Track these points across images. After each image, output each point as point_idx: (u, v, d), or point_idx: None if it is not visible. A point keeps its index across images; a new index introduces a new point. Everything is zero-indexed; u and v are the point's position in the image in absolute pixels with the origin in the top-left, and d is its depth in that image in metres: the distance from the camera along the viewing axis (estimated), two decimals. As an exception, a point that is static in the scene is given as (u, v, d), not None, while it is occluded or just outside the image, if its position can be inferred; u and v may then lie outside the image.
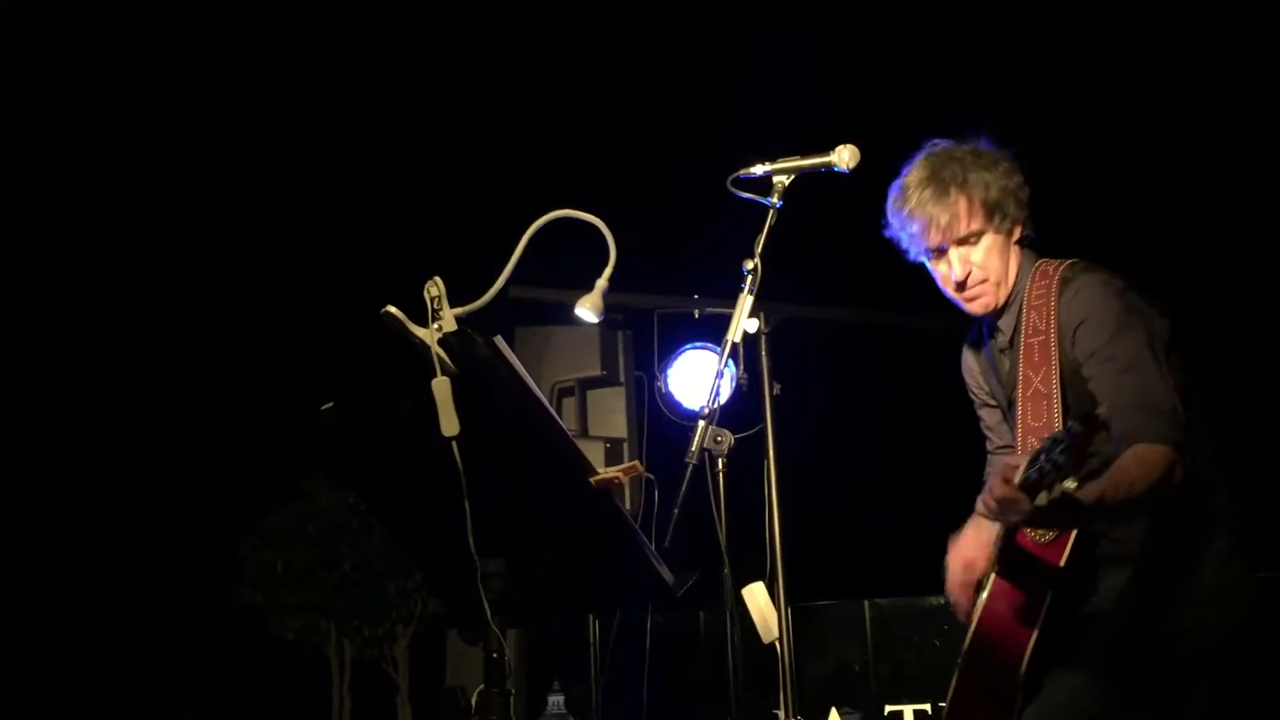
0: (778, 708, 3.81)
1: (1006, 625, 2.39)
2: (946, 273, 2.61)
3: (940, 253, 2.59)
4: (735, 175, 2.78)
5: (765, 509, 4.16)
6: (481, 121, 6.79)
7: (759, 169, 2.78)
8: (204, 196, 7.20)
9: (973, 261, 2.57)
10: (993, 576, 2.49)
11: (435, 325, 1.91)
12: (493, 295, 1.99)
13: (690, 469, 2.65)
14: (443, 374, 1.91)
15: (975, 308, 2.63)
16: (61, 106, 6.70)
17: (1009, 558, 2.44)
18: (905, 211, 2.60)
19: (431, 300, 1.92)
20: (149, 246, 7.32)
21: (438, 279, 1.93)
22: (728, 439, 2.91)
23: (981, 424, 2.90)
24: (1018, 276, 2.61)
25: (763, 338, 4.43)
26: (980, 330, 2.78)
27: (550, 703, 5.83)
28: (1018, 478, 2.06)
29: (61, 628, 7.48)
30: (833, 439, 6.58)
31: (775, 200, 2.75)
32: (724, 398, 3.00)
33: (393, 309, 1.93)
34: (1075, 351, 2.43)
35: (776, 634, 3.43)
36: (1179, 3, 5.77)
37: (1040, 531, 2.39)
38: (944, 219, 2.54)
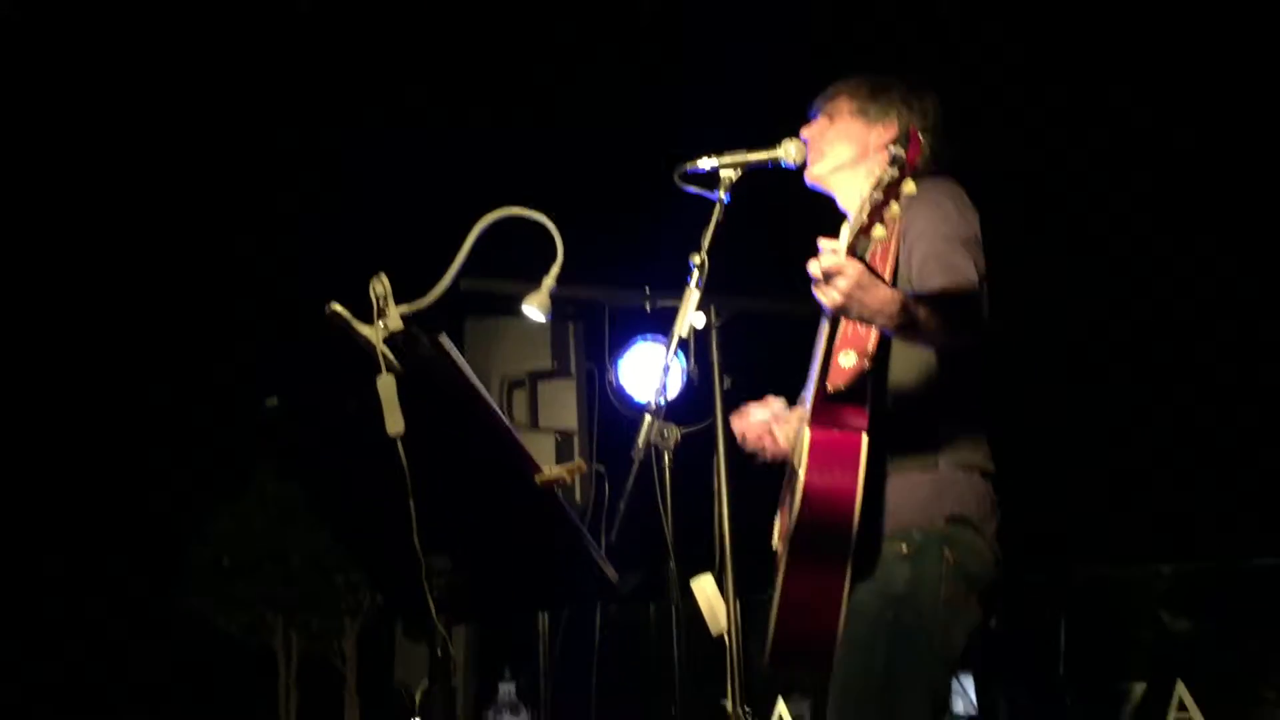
0: (725, 698, 3.84)
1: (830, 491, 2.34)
2: None
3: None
4: (682, 169, 2.79)
5: (715, 501, 4.19)
6: (433, 115, 6.75)
7: (705, 163, 2.78)
8: (148, 192, 7.10)
9: (815, 127, 2.71)
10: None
11: (380, 323, 1.89)
12: (439, 294, 1.98)
13: (637, 464, 2.66)
14: (388, 372, 1.90)
15: (806, 176, 2.74)
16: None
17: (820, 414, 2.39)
18: None
19: (377, 298, 1.90)
20: (92, 245, 7.21)
21: (383, 276, 1.91)
22: (674, 434, 2.91)
23: None
24: None
25: (713, 332, 4.46)
26: None
27: (501, 691, 5.84)
28: (844, 243, 2.06)
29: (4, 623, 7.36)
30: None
31: (722, 194, 2.76)
32: (672, 392, 3.01)
33: (337, 306, 1.91)
34: (908, 228, 2.46)
35: (725, 626, 3.46)
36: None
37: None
38: (830, 89, 2.73)
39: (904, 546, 2.39)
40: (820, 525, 2.34)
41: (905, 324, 2.22)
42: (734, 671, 3.82)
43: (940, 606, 2.38)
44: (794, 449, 2.57)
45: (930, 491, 2.43)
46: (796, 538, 2.36)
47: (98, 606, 7.48)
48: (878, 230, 2.08)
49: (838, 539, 2.33)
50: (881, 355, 2.42)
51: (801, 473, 2.34)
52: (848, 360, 2.39)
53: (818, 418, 2.37)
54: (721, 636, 3.51)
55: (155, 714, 7.47)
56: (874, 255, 2.53)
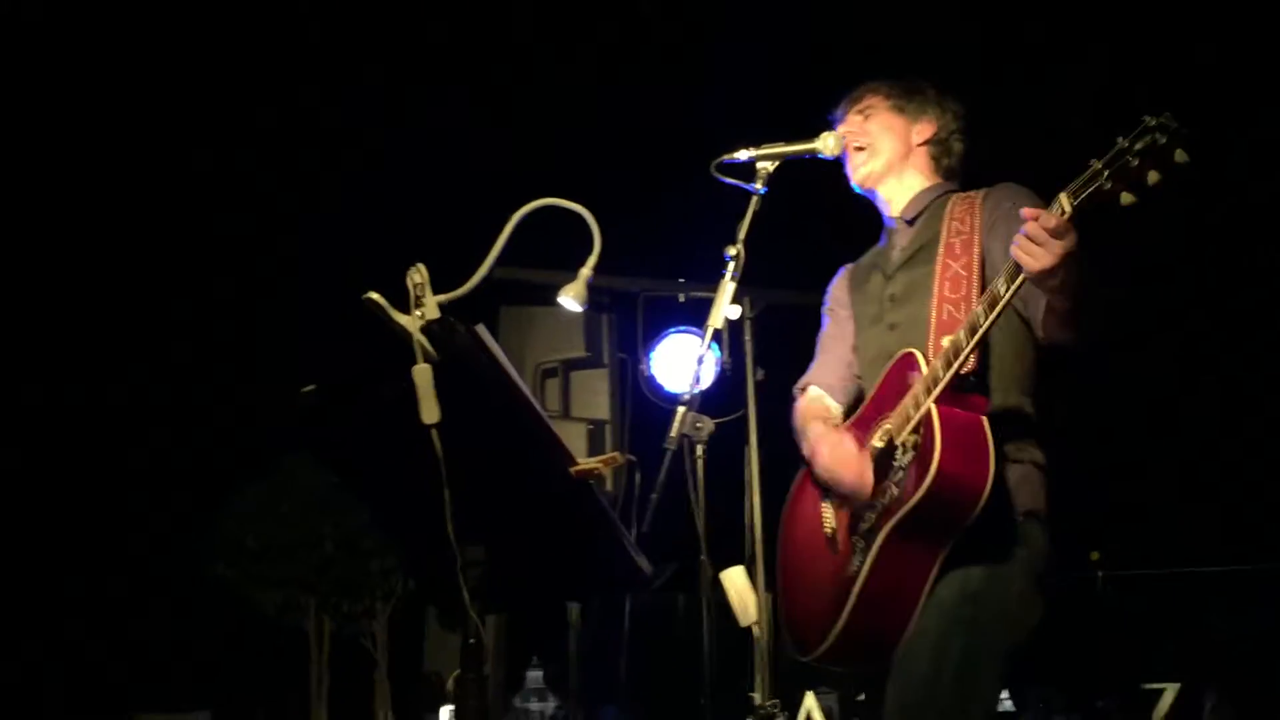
0: (754, 690, 3.85)
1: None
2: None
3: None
4: (719, 161, 2.79)
5: (746, 493, 4.18)
6: (468, 104, 6.75)
7: (743, 154, 2.78)
8: (181, 174, 7.15)
9: (857, 124, 2.72)
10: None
11: (418, 312, 1.90)
12: (475, 283, 1.98)
13: (669, 455, 2.65)
14: (424, 361, 1.90)
15: (854, 176, 2.74)
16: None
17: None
18: None
19: (414, 287, 1.90)
20: (123, 226, 7.27)
21: (421, 266, 1.92)
22: (707, 425, 2.91)
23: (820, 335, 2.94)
24: (925, 192, 2.67)
25: (747, 323, 4.46)
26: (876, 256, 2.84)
27: (529, 678, 5.87)
28: (1069, 207, 2.01)
29: (41, 601, 7.46)
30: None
31: (759, 186, 2.75)
32: (706, 383, 3.00)
33: (375, 295, 1.92)
34: (993, 225, 2.46)
35: (755, 617, 3.46)
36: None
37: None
38: (857, 92, 2.76)
39: (983, 540, 2.35)
40: (943, 504, 2.28)
41: (1080, 304, 2.21)
42: (763, 663, 3.82)
43: (1013, 602, 2.37)
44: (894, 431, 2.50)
45: (1011, 486, 2.40)
46: (912, 515, 2.30)
47: (126, 580, 7.56)
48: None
49: (952, 520, 2.29)
50: (985, 348, 2.41)
51: (937, 450, 2.27)
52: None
53: (944, 399, 2.34)
54: (751, 628, 3.51)
55: (187, 694, 7.55)
56: (953, 246, 2.51)
